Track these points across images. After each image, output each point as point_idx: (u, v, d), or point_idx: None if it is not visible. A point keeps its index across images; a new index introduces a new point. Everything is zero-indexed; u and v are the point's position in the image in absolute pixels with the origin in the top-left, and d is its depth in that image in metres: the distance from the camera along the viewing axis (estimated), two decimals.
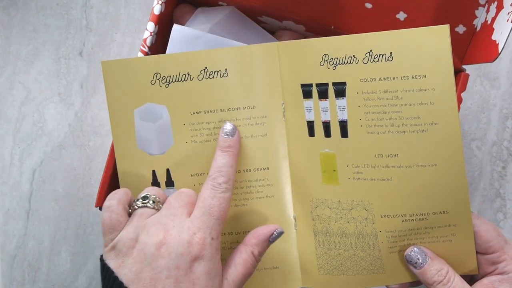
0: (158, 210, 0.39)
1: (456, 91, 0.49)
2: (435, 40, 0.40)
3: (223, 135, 0.43)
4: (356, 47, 0.42)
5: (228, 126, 0.43)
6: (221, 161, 0.41)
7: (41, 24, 0.61)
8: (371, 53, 0.42)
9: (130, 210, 0.40)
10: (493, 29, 0.45)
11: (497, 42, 0.43)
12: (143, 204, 0.39)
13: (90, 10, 0.61)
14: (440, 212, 0.42)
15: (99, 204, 0.48)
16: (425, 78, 0.41)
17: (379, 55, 0.42)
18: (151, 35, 0.49)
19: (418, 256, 0.42)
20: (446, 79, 0.40)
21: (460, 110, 0.50)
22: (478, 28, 0.49)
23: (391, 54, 0.41)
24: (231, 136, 0.43)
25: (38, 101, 0.61)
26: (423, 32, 0.41)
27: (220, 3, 0.52)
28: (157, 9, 0.49)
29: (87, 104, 0.60)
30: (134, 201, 0.40)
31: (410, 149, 0.41)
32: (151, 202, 0.40)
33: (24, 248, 0.60)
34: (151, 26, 0.49)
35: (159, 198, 0.40)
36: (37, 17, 0.61)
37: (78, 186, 0.60)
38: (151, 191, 0.41)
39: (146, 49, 0.49)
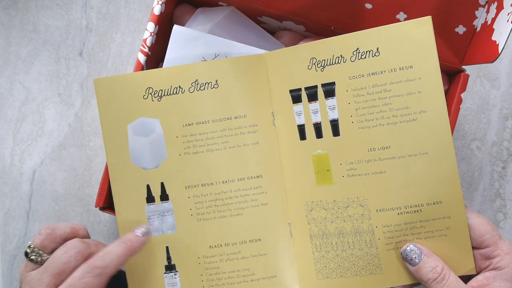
0: (41, 263, 0.40)
1: (456, 91, 0.50)
2: (419, 31, 0.42)
3: (135, 232, 0.42)
4: (343, 47, 0.43)
5: (142, 228, 0.43)
6: (111, 249, 0.40)
7: (41, 24, 0.61)
8: (358, 50, 0.43)
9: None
10: (493, 29, 0.45)
11: (497, 43, 0.43)
12: (27, 257, 0.40)
13: (90, 10, 0.61)
14: (434, 203, 0.42)
15: (99, 204, 0.48)
16: (412, 69, 0.42)
17: (366, 51, 0.43)
18: (151, 35, 0.49)
19: (414, 253, 0.42)
20: (432, 68, 0.42)
21: (460, 110, 0.50)
22: (478, 29, 0.49)
23: (377, 50, 0.43)
24: (141, 235, 0.43)
25: (38, 101, 0.61)
26: (407, 25, 0.42)
27: (220, 3, 0.52)
28: (157, 10, 0.49)
29: (87, 104, 0.60)
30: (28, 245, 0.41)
31: (402, 140, 0.43)
32: (33, 256, 0.40)
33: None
34: (151, 26, 0.49)
35: (41, 251, 0.40)
36: (37, 17, 0.61)
37: (78, 186, 0.60)
38: (38, 239, 0.41)
39: (146, 49, 0.49)
